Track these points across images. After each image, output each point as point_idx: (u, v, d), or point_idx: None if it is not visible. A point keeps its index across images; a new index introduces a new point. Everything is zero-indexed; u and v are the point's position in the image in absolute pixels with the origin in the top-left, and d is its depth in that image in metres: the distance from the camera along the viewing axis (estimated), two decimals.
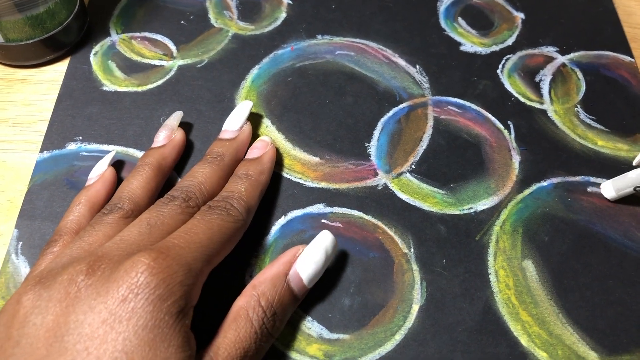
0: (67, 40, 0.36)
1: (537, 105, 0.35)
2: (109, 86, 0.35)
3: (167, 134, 0.31)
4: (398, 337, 0.27)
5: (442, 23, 0.39)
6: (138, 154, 0.32)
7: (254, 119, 0.34)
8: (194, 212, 0.26)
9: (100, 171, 0.29)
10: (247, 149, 0.31)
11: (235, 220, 0.26)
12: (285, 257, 0.26)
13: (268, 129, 0.34)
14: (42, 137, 0.33)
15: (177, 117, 0.32)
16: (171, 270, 0.21)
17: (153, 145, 0.30)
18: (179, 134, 0.31)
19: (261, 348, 0.24)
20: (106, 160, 0.30)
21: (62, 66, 0.36)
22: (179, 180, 0.29)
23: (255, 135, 0.33)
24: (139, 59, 0.36)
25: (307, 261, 0.26)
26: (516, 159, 0.33)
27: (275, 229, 0.30)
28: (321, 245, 0.26)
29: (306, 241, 0.29)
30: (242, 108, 0.32)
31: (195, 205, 0.26)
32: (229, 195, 0.27)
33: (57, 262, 0.23)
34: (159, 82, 0.35)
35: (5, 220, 0.30)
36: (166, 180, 0.30)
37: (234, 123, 0.31)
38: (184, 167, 0.32)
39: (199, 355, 0.22)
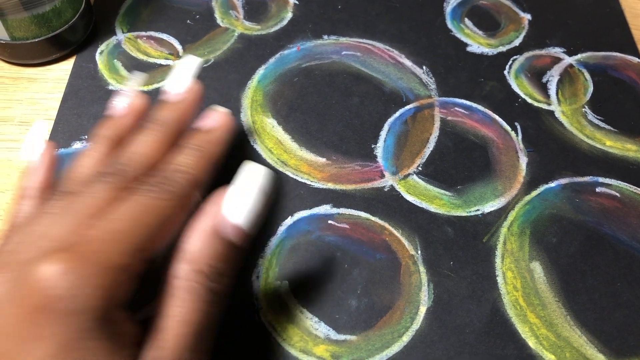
0: (72, 39, 0.36)
1: (545, 106, 0.35)
2: (114, 85, 0.35)
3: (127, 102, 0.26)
4: (405, 338, 0.27)
5: (449, 24, 0.39)
6: None
7: (260, 119, 0.34)
8: (133, 190, 0.21)
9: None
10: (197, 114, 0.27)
11: (175, 197, 0.21)
12: (210, 207, 0.22)
13: (274, 129, 0.33)
14: (48, 136, 0.33)
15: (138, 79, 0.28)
16: (84, 275, 0.18)
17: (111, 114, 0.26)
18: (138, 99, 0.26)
19: (214, 317, 0.21)
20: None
21: (67, 65, 0.36)
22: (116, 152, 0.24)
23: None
24: (144, 58, 0.36)
25: (238, 203, 0.21)
26: (523, 161, 0.33)
27: (281, 229, 0.30)
28: (250, 180, 0.22)
29: (313, 242, 0.29)
30: (187, 63, 0.27)
31: (133, 181, 0.22)
32: (169, 168, 0.22)
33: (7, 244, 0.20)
34: (165, 82, 0.35)
35: None
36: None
37: (178, 83, 0.26)
38: None
39: (146, 346, 0.19)
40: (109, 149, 0.24)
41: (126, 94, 0.26)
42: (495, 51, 0.38)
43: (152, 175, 0.22)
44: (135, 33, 0.38)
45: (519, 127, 0.34)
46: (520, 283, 0.28)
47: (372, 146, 0.33)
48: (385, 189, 0.31)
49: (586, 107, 0.35)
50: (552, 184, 0.32)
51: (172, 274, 0.21)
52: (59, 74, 0.36)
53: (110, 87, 0.35)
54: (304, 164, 0.32)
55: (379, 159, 0.33)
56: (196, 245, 0.21)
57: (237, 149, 0.33)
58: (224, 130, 0.26)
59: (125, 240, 0.19)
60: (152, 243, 0.20)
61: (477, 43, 0.38)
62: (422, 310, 0.27)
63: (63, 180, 0.23)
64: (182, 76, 0.26)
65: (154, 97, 0.34)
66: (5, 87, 0.35)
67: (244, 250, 0.22)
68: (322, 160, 0.32)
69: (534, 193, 0.31)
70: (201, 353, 0.20)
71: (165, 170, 0.22)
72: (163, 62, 0.36)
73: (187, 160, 0.23)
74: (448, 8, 0.40)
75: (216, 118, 0.26)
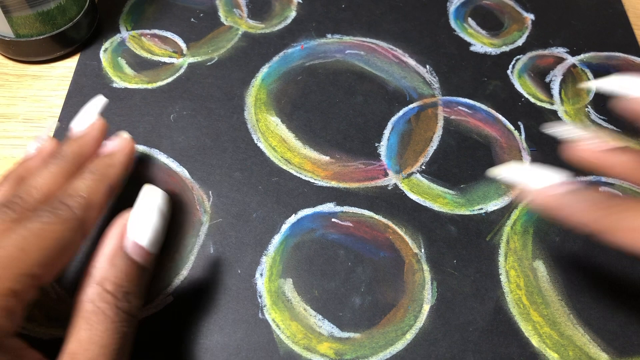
0: (77, 36, 0.36)
1: (548, 106, 0.35)
2: (119, 83, 0.35)
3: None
4: (409, 336, 0.27)
5: (452, 23, 0.39)
6: (148, 150, 0.32)
7: (263, 117, 0.34)
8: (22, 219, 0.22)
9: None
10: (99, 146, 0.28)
11: (64, 220, 0.21)
12: (114, 230, 0.22)
13: (278, 127, 0.33)
14: (52, 133, 0.33)
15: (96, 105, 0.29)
16: None
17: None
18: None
19: (126, 336, 0.21)
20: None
21: (71, 62, 0.36)
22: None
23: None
24: (148, 56, 0.36)
25: (141, 225, 0.22)
26: (526, 160, 0.33)
27: (285, 227, 0.30)
28: (149, 202, 0.23)
29: (317, 240, 0.29)
30: (92, 105, 0.28)
31: (21, 212, 0.22)
32: (61, 194, 0.23)
33: None
34: (169, 80, 0.35)
35: None
36: None
37: (81, 122, 0.27)
38: (195, 165, 0.32)
39: None
40: (11, 186, 0.24)
41: (37, 140, 0.27)
42: (498, 51, 0.38)
43: (45, 202, 0.22)
44: (140, 31, 0.38)
45: (522, 126, 0.34)
46: (524, 281, 0.29)
47: (376, 145, 0.33)
48: (389, 188, 0.31)
49: (589, 106, 0.35)
50: None
51: (80, 298, 0.21)
52: (63, 71, 0.36)
53: (115, 85, 0.35)
54: (308, 162, 0.32)
55: (383, 158, 0.33)
56: (102, 267, 0.21)
57: (242, 150, 0.33)
58: (123, 153, 0.26)
59: (12, 265, 0.19)
60: (45, 267, 0.20)
61: (481, 42, 0.38)
62: (426, 308, 0.28)
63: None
64: (86, 114, 0.28)
65: (159, 94, 0.34)
66: (9, 84, 0.35)
67: (150, 270, 0.23)
68: (326, 158, 0.32)
69: None
70: None
71: (59, 196, 0.23)
72: (167, 60, 0.36)
73: (81, 184, 0.23)
74: (451, 8, 0.40)
75: (115, 142, 0.27)
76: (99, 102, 0.28)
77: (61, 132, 0.33)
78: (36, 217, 0.21)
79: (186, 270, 0.27)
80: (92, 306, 0.20)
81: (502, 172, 0.22)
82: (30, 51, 0.35)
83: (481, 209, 0.31)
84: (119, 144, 0.27)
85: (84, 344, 0.20)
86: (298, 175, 0.32)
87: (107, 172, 0.25)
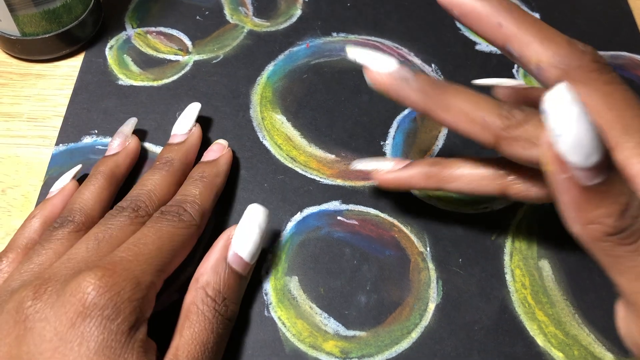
0: (82, 34, 0.36)
1: None
2: (124, 80, 0.35)
3: (121, 141, 0.30)
4: (414, 335, 0.27)
5: (458, 22, 0.39)
6: (154, 148, 0.32)
7: (269, 115, 0.34)
8: (144, 222, 0.25)
9: (62, 185, 0.28)
10: (200, 151, 0.31)
11: (188, 226, 0.25)
12: (220, 242, 0.25)
13: (284, 125, 0.34)
14: (57, 132, 0.33)
15: (131, 123, 0.31)
16: (118, 288, 0.21)
17: (107, 153, 0.30)
18: (133, 142, 0.30)
19: (221, 336, 0.24)
20: (70, 174, 0.29)
21: (76, 61, 0.36)
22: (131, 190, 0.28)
23: (258, 136, 0.33)
24: (154, 53, 0.36)
25: (243, 239, 0.25)
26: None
27: (291, 225, 0.30)
28: (253, 219, 0.26)
29: (322, 238, 0.29)
30: (190, 111, 0.31)
31: (145, 214, 0.26)
32: (181, 200, 0.26)
33: (6, 286, 0.23)
34: (175, 77, 0.35)
35: (20, 215, 0.30)
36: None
37: (183, 127, 0.31)
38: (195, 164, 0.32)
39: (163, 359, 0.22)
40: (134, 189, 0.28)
41: (119, 135, 0.31)
42: None
43: (170, 205, 0.26)
44: (145, 28, 0.38)
45: None
46: (529, 281, 0.29)
47: (381, 143, 0.33)
48: None
49: None
50: None
51: (187, 300, 0.24)
52: (67, 70, 0.36)
53: (120, 82, 0.35)
54: (313, 160, 0.32)
55: (388, 156, 0.33)
56: (206, 274, 0.24)
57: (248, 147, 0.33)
58: (225, 161, 0.30)
59: (150, 261, 0.23)
60: (170, 266, 0.24)
61: (486, 42, 0.38)
62: (431, 307, 0.28)
63: (70, 212, 0.26)
64: (186, 121, 0.31)
65: (165, 92, 0.34)
66: (13, 83, 0.35)
67: (247, 279, 0.26)
68: (332, 156, 0.32)
69: None
70: None
71: (179, 203, 0.26)
72: (172, 57, 0.36)
73: (196, 192, 0.27)
74: None
75: (216, 150, 0.30)
76: (195, 107, 0.31)
77: (66, 129, 0.33)
78: (166, 221, 0.25)
79: (192, 267, 0.27)
80: (195, 308, 0.23)
81: (349, 51, 0.24)
82: (35, 50, 0.35)
83: (486, 207, 0.31)
84: (220, 151, 0.30)
85: (186, 340, 0.22)
86: (303, 173, 0.32)
87: (215, 181, 0.28)
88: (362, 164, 0.29)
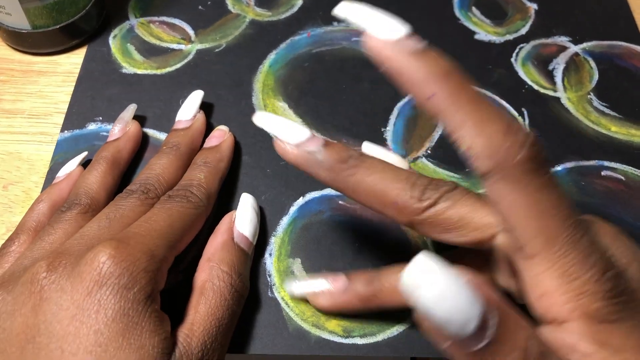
0: (86, 27, 0.36)
1: (551, 93, 0.36)
2: (128, 69, 0.35)
3: (122, 127, 0.31)
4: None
5: (457, 12, 0.40)
6: (158, 135, 0.33)
7: (271, 102, 0.34)
8: (153, 204, 0.26)
9: (69, 170, 0.29)
10: (203, 137, 0.31)
11: (196, 207, 0.26)
12: (224, 226, 0.27)
13: (286, 112, 0.34)
14: (58, 129, 0.33)
15: (131, 110, 0.32)
16: (134, 258, 0.21)
17: (108, 139, 0.31)
18: (133, 127, 0.31)
19: (235, 313, 0.24)
20: (76, 160, 0.30)
21: (77, 58, 0.36)
22: (138, 174, 0.29)
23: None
24: (157, 42, 0.37)
25: (244, 220, 0.27)
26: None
27: (293, 209, 0.30)
28: (248, 204, 0.28)
29: (324, 222, 0.30)
30: (194, 98, 0.32)
31: (154, 196, 0.27)
32: (188, 184, 0.27)
33: (19, 264, 0.23)
34: (178, 66, 0.36)
35: (22, 211, 0.30)
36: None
37: (187, 113, 0.31)
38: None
39: (174, 335, 0.22)
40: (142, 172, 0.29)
41: (120, 121, 0.31)
42: (502, 39, 0.38)
43: (177, 189, 0.27)
44: (148, 18, 0.38)
45: (526, 113, 0.35)
46: None
47: (382, 130, 0.34)
48: None
49: (592, 93, 0.36)
50: (559, 168, 0.32)
51: (200, 277, 0.25)
52: (68, 67, 0.36)
53: (124, 70, 0.35)
54: None
55: (389, 143, 0.33)
56: (219, 252, 0.25)
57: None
58: (228, 147, 0.31)
59: (162, 237, 0.23)
60: (180, 244, 0.25)
61: (485, 31, 0.39)
62: None
63: (76, 196, 0.27)
64: (190, 107, 0.32)
65: (168, 80, 0.35)
66: (15, 80, 0.35)
67: (251, 257, 0.28)
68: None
69: None
70: (221, 344, 0.23)
71: (187, 186, 0.27)
72: (175, 46, 0.37)
73: (201, 176, 0.28)
74: None
75: (218, 135, 0.31)
76: (198, 94, 0.32)
77: (71, 116, 0.33)
78: (175, 202, 0.25)
79: (197, 249, 0.28)
80: (210, 284, 0.24)
81: (256, 118, 0.24)
82: (44, 43, 0.35)
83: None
84: (222, 137, 0.31)
85: (202, 315, 0.23)
86: None
87: (219, 166, 0.29)
88: (299, 288, 0.27)
